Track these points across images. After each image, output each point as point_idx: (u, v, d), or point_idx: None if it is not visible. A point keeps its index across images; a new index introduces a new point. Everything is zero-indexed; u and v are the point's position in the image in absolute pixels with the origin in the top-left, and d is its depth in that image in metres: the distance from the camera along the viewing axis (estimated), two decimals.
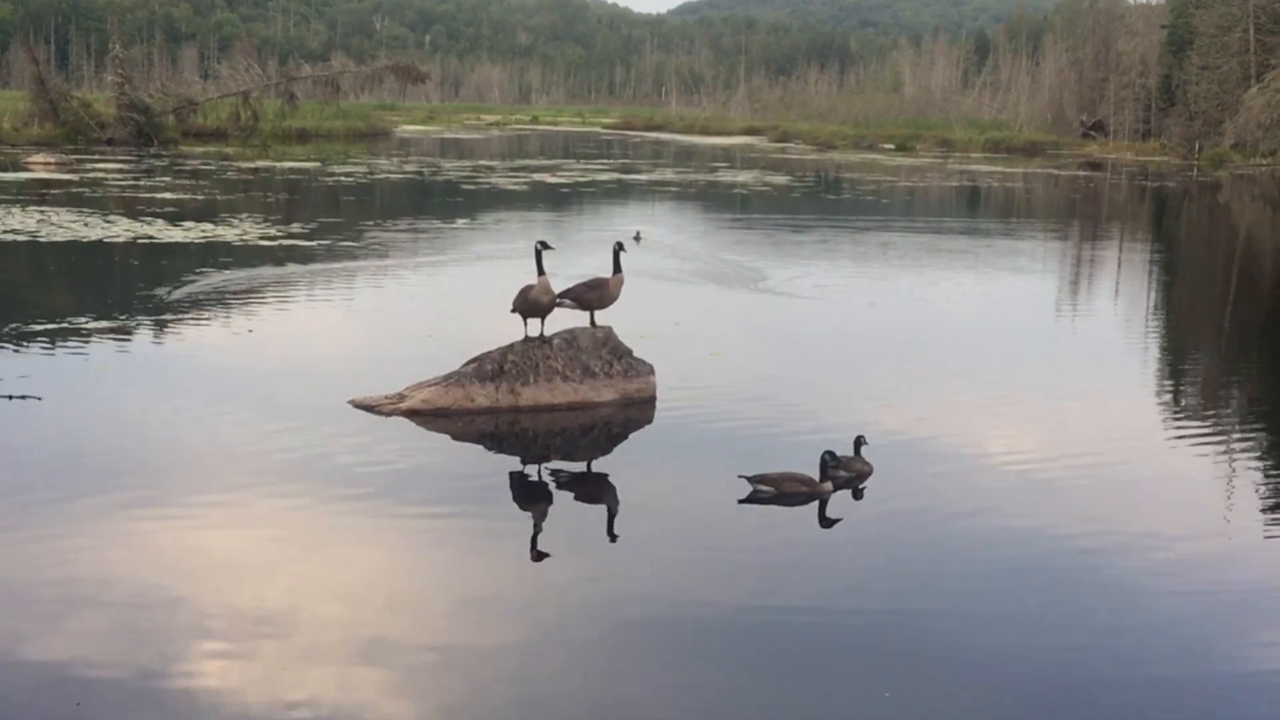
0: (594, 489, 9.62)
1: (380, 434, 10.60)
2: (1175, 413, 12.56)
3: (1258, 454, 10.99)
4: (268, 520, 8.43)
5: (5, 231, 23.66)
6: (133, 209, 28.65)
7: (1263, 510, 9.30)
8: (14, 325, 14.91)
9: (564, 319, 12.11)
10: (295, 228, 26.34)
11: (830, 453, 9.36)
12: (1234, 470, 10.34)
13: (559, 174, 49.17)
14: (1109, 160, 69.99)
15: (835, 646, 6.73)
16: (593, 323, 12.02)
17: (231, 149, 56.62)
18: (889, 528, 8.71)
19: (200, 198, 32.95)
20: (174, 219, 26.60)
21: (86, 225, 25.06)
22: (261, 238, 24.24)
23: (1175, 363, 15.67)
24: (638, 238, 24.48)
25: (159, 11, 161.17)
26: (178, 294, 17.38)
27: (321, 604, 7.06)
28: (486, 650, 6.56)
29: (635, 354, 12.09)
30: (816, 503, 9.09)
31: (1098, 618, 7.15)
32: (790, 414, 11.65)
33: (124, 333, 14.80)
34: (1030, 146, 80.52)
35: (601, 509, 9.17)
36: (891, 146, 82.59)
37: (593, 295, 11.92)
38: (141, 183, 37.31)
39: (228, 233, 24.79)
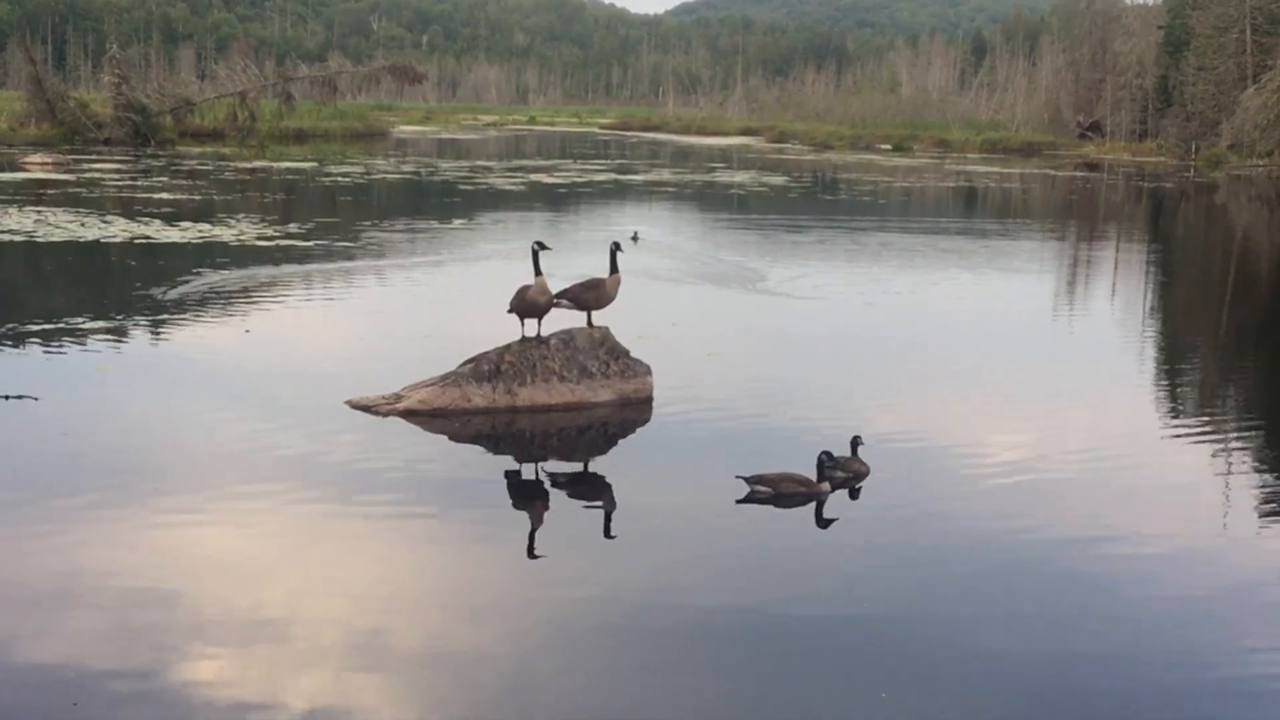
0: (591, 489, 9.62)
1: (377, 434, 10.60)
2: (1172, 413, 12.57)
3: (1256, 454, 11.00)
4: (264, 520, 8.43)
5: (2, 232, 23.64)
6: (130, 209, 28.63)
7: (1261, 511, 9.31)
8: (11, 325, 14.91)
9: (561, 319, 12.11)
10: (292, 228, 26.33)
11: (827, 453, 9.37)
12: (1231, 470, 10.35)
13: (556, 174, 49.16)
14: (1106, 161, 70.11)
15: (832, 646, 6.74)
16: (590, 323, 12.02)
17: (228, 149, 56.61)
18: (886, 528, 8.71)
19: (197, 198, 32.93)
20: (171, 219, 26.59)
21: (83, 225, 25.04)
22: (258, 238, 24.23)
23: (1172, 363, 15.69)
24: (635, 238, 24.48)
25: (156, 12, 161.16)
26: (174, 294, 17.37)
27: (318, 603, 7.07)
28: (483, 649, 6.56)
29: (632, 354, 12.09)
30: (814, 503, 9.10)
31: (1095, 618, 7.16)
32: (787, 414, 11.66)
33: (121, 333, 14.79)
34: (1027, 147, 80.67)
35: (598, 509, 9.17)
36: (888, 147, 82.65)
37: (590, 296, 11.92)
38: (138, 183, 37.27)
39: (225, 233, 24.78)
